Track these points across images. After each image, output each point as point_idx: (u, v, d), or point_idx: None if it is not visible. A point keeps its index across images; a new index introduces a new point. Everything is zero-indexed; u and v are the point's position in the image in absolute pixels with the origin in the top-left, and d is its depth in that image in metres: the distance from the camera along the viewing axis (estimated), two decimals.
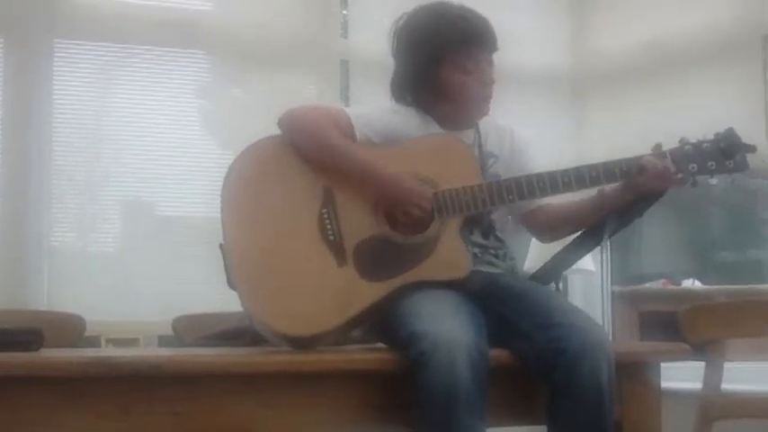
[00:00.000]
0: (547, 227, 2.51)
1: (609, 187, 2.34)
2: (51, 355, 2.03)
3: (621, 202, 2.34)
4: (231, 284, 2.22)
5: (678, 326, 2.60)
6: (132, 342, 3.82)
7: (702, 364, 2.61)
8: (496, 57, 2.46)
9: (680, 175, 2.30)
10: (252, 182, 2.32)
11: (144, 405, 1.91)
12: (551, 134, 4.51)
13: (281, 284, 2.22)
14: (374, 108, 2.54)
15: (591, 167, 2.31)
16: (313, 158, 2.32)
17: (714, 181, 2.32)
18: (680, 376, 2.99)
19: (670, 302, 4.06)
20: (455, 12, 2.44)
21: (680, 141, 2.33)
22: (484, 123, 2.49)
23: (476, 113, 2.48)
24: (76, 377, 1.87)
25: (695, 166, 2.31)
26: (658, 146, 2.34)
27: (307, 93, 4.40)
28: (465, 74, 2.41)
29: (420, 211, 2.27)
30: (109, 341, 3.77)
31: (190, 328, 2.93)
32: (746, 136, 2.33)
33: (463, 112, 2.46)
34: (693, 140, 2.33)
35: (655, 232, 4.82)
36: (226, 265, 2.23)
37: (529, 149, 2.52)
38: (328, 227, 2.26)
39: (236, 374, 1.98)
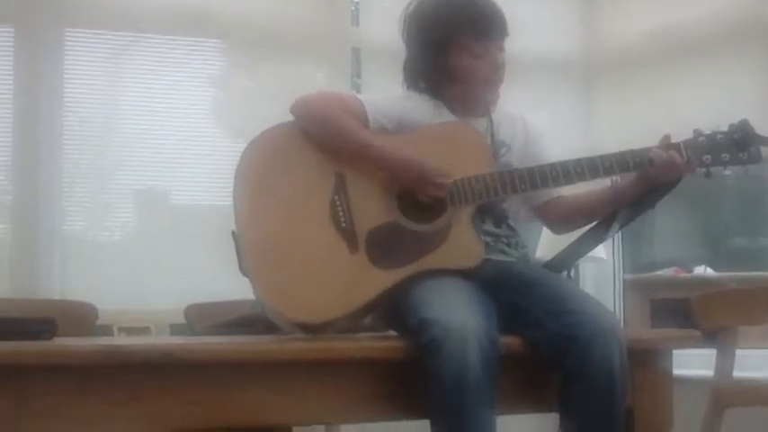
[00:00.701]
0: (560, 219, 2.51)
1: (621, 179, 2.33)
2: (64, 343, 2.03)
3: (634, 194, 2.33)
4: (243, 272, 2.23)
5: (690, 313, 2.60)
6: (144, 330, 3.82)
7: (714, 351, 2.61)
8: (506, 44, 2.45)
9: (684, 162, 2.28)
10: (263, 169, 2.32)
11: (156, 393, 1.91)
12: (560, 122, 4.50)
13: (292, 271, 2.22)
14: (387, 94, 2.55)
15: (604, 157, 2.30)
16: (326, 144, 2.32)
17: (728, 172, 2.31)
18: (692, 363, 2.99)
19: (682, 290, 4.04)
20: None
21: (694, 132, 2.31)
22: (495, 112, 2.49)
23: (486, 97, 2.47)
24: (89, 365, 1.87)
25: (709, 157, 2.29)
26: (666, 137, 2.32)
27: (318, 81, 4.39)
28: (473, 58, 2.40)
29: (437, 189, 2.26)
30: (121, 330, 3.78)
31: (201, 317, 2.94)
32: (756, 126, 2.32)
33: (473, 95, 2.45)
34: (707, 132, 2.31)
35: (666, 220, 4.81)
36: (238, 253, 2.23)
37: (543, 139, 2.52)
38: (340, 214, 2.26)
39: (247, 362, 1.98)
